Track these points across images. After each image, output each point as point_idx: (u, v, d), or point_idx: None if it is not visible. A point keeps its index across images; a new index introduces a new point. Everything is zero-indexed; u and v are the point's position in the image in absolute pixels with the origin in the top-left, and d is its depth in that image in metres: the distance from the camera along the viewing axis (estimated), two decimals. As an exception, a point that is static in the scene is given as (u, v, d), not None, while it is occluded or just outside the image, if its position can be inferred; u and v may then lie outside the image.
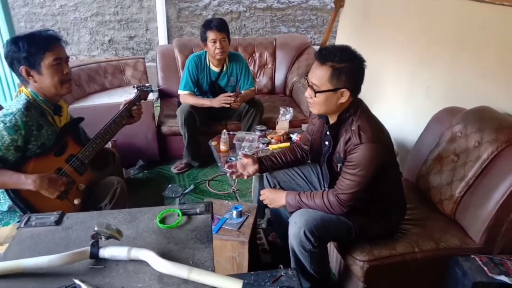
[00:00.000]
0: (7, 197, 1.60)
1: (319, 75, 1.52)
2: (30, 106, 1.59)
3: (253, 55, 3.44)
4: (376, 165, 1.53)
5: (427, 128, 2.14)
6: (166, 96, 3.31)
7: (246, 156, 1.94)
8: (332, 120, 1.65)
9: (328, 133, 1.68)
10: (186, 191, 2.66)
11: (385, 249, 1.67)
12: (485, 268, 1.60)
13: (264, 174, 2.00)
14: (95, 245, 0.84)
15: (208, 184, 2.77)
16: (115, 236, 0.84)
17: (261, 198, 1.84)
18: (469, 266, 1.62)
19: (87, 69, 2.91)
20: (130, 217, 0.99)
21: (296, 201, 1.69)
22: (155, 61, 4.40)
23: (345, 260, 1.74)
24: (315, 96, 1.55)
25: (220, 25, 2.58)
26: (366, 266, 1.63)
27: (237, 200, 2.61)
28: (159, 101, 3.42)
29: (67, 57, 1.69)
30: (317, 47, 3.97)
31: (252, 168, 1.90)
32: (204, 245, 0.87)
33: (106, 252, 0.85)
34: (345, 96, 1.53)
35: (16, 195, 1.54)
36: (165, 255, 0.83)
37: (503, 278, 1.56)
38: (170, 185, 2.68)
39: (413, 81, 2.68)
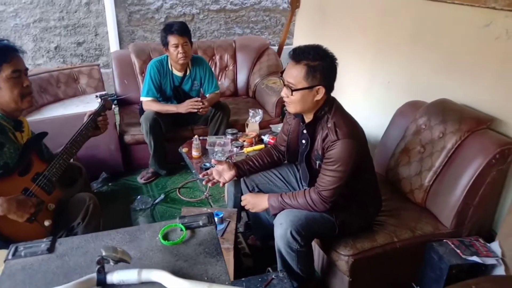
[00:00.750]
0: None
1: (294, 73, 1.55)
2: (-12, 123, 1.46)
3: (213, 57, 3.41)
4: (354, 160, 1.57)
5: (392, 122, 2.24)
6: (124, 103, 3.18)
7: (219, 162, 1.91)
8: (308, 118, 1.67)
9: (304, 131, 1.70)
10: (156, 201, 2.57)
11: (367, 242, 1.72)
12: (458, 251, 1.71)
13: (242, 178, 1.99)
14: (102, 271, 0.78)
15: (179, 192, 2.70)
16: (125, 259, 0.78)
17: (242, 203, 1.83)
18: (444, 250, 1.72)
19: (38, 79, 2.71)
20: (129, 236, 0.93)
21: (279, 202, 1.70)
22: (108, 67, 4.23)
23: (329, 256, 1.77)
24: (291, 94, 1.56)
25: (181, 29, 2.52)
26: (351, 260, 1.67)
27: (211, 206, 2.57)
28: (117, 109, 3.27)
29: (26, 69, 1.57)
30: (274, 48, 4.02)
31: (228, 174, 1.88)
32: (215, 259, 0.84)
33: (114, 277, 0.78)
34: (320, 93, 1.56)
35: (-21, 221, 1.40)
36: (176, 273, 0.79)
37: (475, 258, 1.68)
38: (139, 197, 2.57)
39: (373, 77, 2.80)
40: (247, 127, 2.56)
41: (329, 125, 1.58)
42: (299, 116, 1.72)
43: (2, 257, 1.34)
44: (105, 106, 1.98)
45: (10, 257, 0.86)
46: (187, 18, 4.51)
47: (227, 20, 4.79)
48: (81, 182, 1.86)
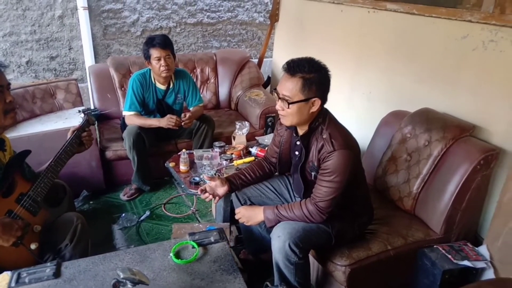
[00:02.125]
0: None
1: (290, 86, 1.55)
2: (-30, 142, 1.37)
3: (194, 70, 3.39)
4: (350, 170, 1.59)
5: (376, 132, 2.29)
6: (103, 118, 3.09)
7: (212, 178, 1.87)
8: (302, 130, 1.68)
9: (298, 143, 1.71)
10: (141, 218, 2.49)
11: (362, 251, 1.73)
12: (449, 256, 1.75)
13: (234, 192, 1.96)
14: (118, 295, 0.74)
15: (164, 208, 2.63)
16: (143, 281, 0.75)
17: (236, 217, 1.80)
18: (436, 256, 1.75)
19: (13, 95, 2.58)
20: (139, 256, 0.89)
21: (274, 215, 1.68)
22: (83, 82, 4.11)
23: (325, 267, 1.77)
24: (288, 107, 1.57)
25: (163, 42, 2.50)
26: (348, 270, 1.68)
27: (198, 222, 2.52)
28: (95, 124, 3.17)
29: (9, 84, 1.50)
30: (254, 61, 4.05)
31: (221, 189, 1.85)
32: (232, 276, 0.82)
33: (133, 301, 0.74)
34: (316, 105, 1.57)
35: (-39, 248, 1.30)
36: (195, 293, 0.76)
37: (466, 262, 1.72)
38: (123, 214, 2.49)
39: (353, 87, 2.86)
40: (234, 139, 2.54)
41: (324, 136, 1.59)
42: (292, 127, 1.73)
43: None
44: (88, 121, 1.91)
45: (13, 284, 0.80)
46: (164, 32, 4.47)
47: (204, 33, 4.79)
48: (67, 201, 1.78)
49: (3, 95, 1.44)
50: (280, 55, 3.79)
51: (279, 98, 1.59)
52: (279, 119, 1.83)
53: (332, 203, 1.60)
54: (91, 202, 2.65)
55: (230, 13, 4.84)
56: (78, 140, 1.79)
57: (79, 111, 1.95)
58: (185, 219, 2.55)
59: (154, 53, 2.48)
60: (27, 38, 3.89)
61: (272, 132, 3.05)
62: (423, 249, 1.79)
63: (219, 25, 4.85)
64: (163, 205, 2.65)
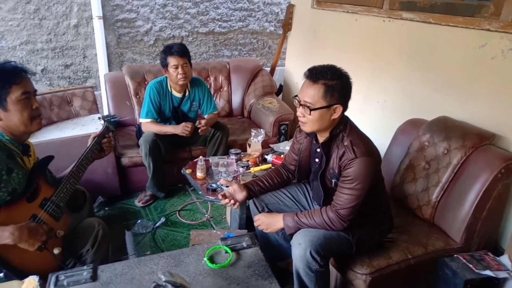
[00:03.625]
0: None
1: (312, 93, 1.56)
2: (-3, 147, 1.39)
3: (208, 79, 3.42)
4: (372, 177, 1.59)
5: (393, 140, 2.29)
6: (119, 125, 3.10)
7: (229, 182, 1.88)
8: (322, 137, 1.68)
9: (318, 150, 1.71)
10: (157, 224, 2.50)
11: (383, 260, 1.72)
12: (470, 265, 1.73)
13: (251, 199, 1.96)
14: (159, 298, 0.74)
15: (179, 215, 2.64)
16: (184, 285, 0.75)
17: (255, 224, 1.79)
18: (457, 265, 1.73)
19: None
20: (174, 261, 0.90)
21: (294, 222, 1.68)
22: (96, 90, 4.16)
23: (345, 276, 1.75)
24: (309, 114, 1.57)
25: (181, 50, 2.53)
26: (368, 279, 1.66)
27: (213, 228, 2.52)
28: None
29: (35, 90, 1.52)
30: (266, 69, 4.08)
31: (241, 195, 1.84)
32: (268, 281, 0.82)
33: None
34: (338, 112, 1.58)
35: (-12, 252, 1.31)
36: (232, 297, 0.76)
37: (488, 272, 1.70)
38: (139, 221, 2.49)
39: (367, 96, 2.87)
40: (249, 147, 2.55)
41: (345, 143, 1.59)
42: (312, 135, 1.73)
43: (13, 289, 1.26)
44: (108, 128, 1.94)
45: (52, 287, 0.81)
46: (176, 41, 4.52)
47: (216, 42, 4.84)
48: (87, 206, 1.79)
49: (30, 101, 1.47)
50: (292, 63, 3.81)
51: (300, 104, 1.60)
52: (298, 126, 1.84)
53: (353, 211, 1.59)
54: (106, 208, 2.67)
55: (241, 23, 4.89)
56: (99, 146, 1.82)
57: (99, 118, 1.97)
58: (199, 226, 2.55)
59: (172, 61, 2.51)
60: (42, 47, 3.96)
61: (286, 140, 3.07)
62: (444, 258, 1.77)
63: (231, 34, 4.91)
64: (177, 212, 2.66)
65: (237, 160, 2.35)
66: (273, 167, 2.26)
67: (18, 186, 1.44)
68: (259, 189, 1.89)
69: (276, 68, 4.05)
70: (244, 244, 0.95)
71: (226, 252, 0.92)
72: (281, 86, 3.99)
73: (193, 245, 1.76)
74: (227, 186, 1.88)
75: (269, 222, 1.74)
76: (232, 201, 1.82)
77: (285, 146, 2.61)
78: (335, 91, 1.54)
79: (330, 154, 1.67)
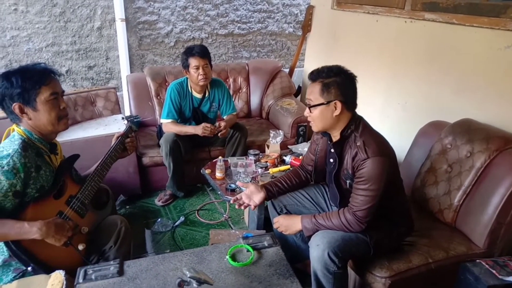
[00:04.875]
0: (1, 251, 1.42)
1: (311, 91, 1.62)
2: (26, 146, 1.44)
3: (227, 80, 3.45)
4: (386, 178, 1.58)
5: (414, 142, 2.26)
6: (140, 125, 3.17)
7: (245, 184, 1.89)
8: (335, 137, 1.69)
9: (332, 150, 1.71)
10: (176, 223, 2.53)
11: (402, 263, 1.70)
12: (494, 271, 1.69)
13: (270, 200, 1.97)
14: (185, 294, 0.76)
15: (198, 214, 2.67)
16: (208, 281, 0.77)
17: (275, 226, 1.80)
18: (479, 271, 1.69)
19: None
20: (197, 258, 0.92)
21: (312, 224, 1.68)
22: (118, 91, 4.25)
23: (363, 278, 1.74)
24: (310, 112, 1.61)
25: (202, 52, 2.57)
26: (388, 282, 1.65)
27: (231, 228, 2.54)
28: (131, 131, 3.27)
29: (63, 91, 1.58)
30: (285, 71, 4.08)
31: (258, 196, 1.86)
32: (289, 280, 0.83)
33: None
34: (338, 108, 1.58)
35: (17, 246, 1.36)
36: (253, 295, 0.77)
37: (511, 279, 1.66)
38: (159, 219, 2.54)
39: (387, 98, 2.84)
40: (267, 148, 2.56)
41: (358, 144, 1.59)
42: (326, 135, 1.74)
43: (40, 282, 1.31)
44: (131, 128, 1.98)
45: (80, 280, 0.84)
46: (196, 42, 4.58)
47: (235, 44, 4.88)
48: (110, 204, 1.84)
49: (58, 102, 1.52)
50: (311, 65, 3.80)
51: (306, 105, 1.64)
52: None
53: (369, 212, 1.59)
54: (127, 207, 2.72)
55: (260, 24, 4.92)
56: (122, 145, 1.87)
57: (123, 118, 2.02)
58: (218, 225, 2.58)
59: (193, 62, 2.55)
60: (67, 49, 4.08)
61: (304, 141, 3.06)
62: (466, 263, 1.74)
63: (250, 36, 4.94)
64: (196, 211, 2.69)
65: (255, 161, 2.36)
66: (291, 168, 2.27)
67: (46, 183, 1.49)
68: (277, 190, 1.90)
69: (295, 69, 4.05)
70: (265, 244, 0.96)
71: (248, 250, 0.94)
72: (299, 87, 3.99)
73: (212, 244, 1.79)
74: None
75: (287, 224, 1.75)
76: (245, 204, 1.84)
77: (303, 148, 2.61)
78: (332, 87, 1.57)
79: (343, 155, 1.67)
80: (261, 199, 1.86)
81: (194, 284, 0.76)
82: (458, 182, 1.91)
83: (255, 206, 1.87)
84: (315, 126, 1.66)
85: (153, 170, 2.82)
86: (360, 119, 1.67)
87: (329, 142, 1.75)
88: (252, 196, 1.86)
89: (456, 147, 1.98)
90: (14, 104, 1.43)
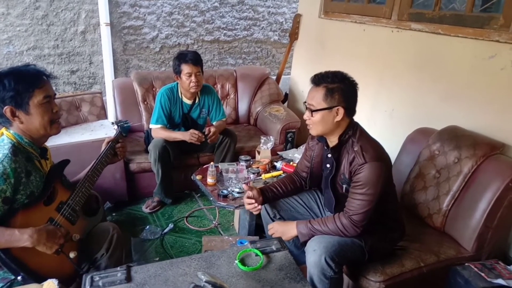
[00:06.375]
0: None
1: (315, 95, 1.62)
2: (16, 150, 1.39)
3: (215, 86, 3.44)
4: (382, 183, 1.60)
5: (403, 148, 2.30)
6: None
7: (250, 188, 1.85)
8: (332, 142, 1.70)
9: (329, 155, 1.73)
10: (165, 231, 2.49)
11: (396, 267, 1.72)
12: (482, 274, 1.74)
13: (264, 205, 1.96)
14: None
15: (187, 221, 2.63)
16: (223, 286, 0.75)
17: (269, 232, 1.79)
18: (469, 274, 1.74)
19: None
20: (205, 263, 0.90)
21: (308, 229, 1.68)
22: (102, 95, 4.17)
23: (357, 283, 1.75)
24: (312, 115, 1.61)
25: (195, 59, 2.55)
26: (382, 286, 1.66)
27: (221, 235, 2.51)
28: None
29: (55, 94, 1.54)
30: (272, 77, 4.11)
31: (259, 199, 1.84)
32: (300, 284, 0.82)
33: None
34: (340, 114, 1.61)
35: (6, 255, 1.31)
36: (266, 300, 0.76)
37: (500, 281, 1.71)
38: (147, 227, 2.49)
39: (375, 105, 2.89)
40: (258, 154, 2.56)
41: (355, 149, 1.61)
42: (322, 140, 1.75)
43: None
44: (121, 133, 1.95)
45: (87, 287, 0.81)
46: (182, 48, 4.56)
47: (221, 50, 4.88)
48: (101, 211, 1.79)
49: (51, 105, 1.47)
50: (298, 72, 3.84)
51: (306, 109, 1.64)
52: (310, 134, 1.86)
53: (366, 216, 1.60)
54: (113, 214, 2.66)
55: (246, 32, 4.95)
56: (113, 151, 1.82)
57: (113, 123, 1.98)
58: (208, 232, 2.55)
59: (186, 68, 2.53)
60: (49, 52, 3.98)
61: (292, 147, 3.08)
62: (456, 266, 1.78)
63: (235, 43, 4.96)
64: (185, 218, 2.65)
65: (247, 167, 2.35)
66: (285, 174, 2.27)
67: (36, 189, 1.44)
68: (272, 195, 1.90)
69: (282, 76, 4.09)
70: (274, 248, 0.96)
71: (257, 255, 0.93)
72: (286, 94, 4.01)
73: (205, 251, 1.76)
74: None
75: (283, 230, 1.74)
76: (259, 206, 1.82)
77: (293, 154, 2.62)
78: (336, 93, 1.59)
79: (340, 160, 1.69)
80: (261, 202, 1.84)
81: (209, 288, 0.74)
82: (446, 187, 1.96)
83: (259, 210, 1.85)
84: (314, 130, 1.67)
85: (141, 176, 2.77)
86: (357, 125, 1.70)
87: (325, 148, 1.76)
88: (257, 200, 1.84)
89: (444, 153, 2.03)
90: (6, 107, 1.38)
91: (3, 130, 1.44)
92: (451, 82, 2.30)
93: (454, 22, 2.24)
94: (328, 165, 1.76)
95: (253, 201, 1.81)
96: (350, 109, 1.65)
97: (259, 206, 1.82)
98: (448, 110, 2.33)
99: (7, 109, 1.38)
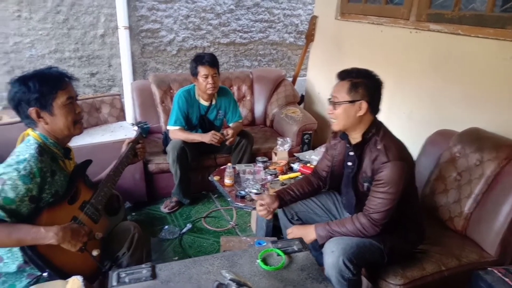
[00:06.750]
0: (16, 256, 1.40)
1: (339, 89, 1.63)
2: (42, 150, 1.43)
3: (231, 88, 3.46)
4: (404, 182, 1.59)
5: (423, 151, 2.27)
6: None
7: (261, 198, 1.85)
8: (354, 139, 1.70)
9: (351, 153, 1.72)
10: (183, 230, 2.52)
11: (416, 271, 1.70)
12: (506, 279, 1.69)
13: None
14: (223, 297, 0.75)
15: (204, 221, 2.65)
16: (247, 284, 0.76)
17: (289, 236, 1.79)
18: (492, 279, 1.69)
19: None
20: (228, 262, 0.91)
21: (326, 231, 1.68)
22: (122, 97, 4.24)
23: (377, 286, 1.74)
24: (334, 108, 1.62)
25: (212, 61, 2.58)
26: (402, 289, 1.64)
27: (238, 236, 2.52)
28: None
29: (77, 95, 1.57)
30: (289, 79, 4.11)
31: (273, 205, 1.84)
32: (323, 284, 0.83)
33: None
34: (363, 109, 1.60)
35: (33, 252, 1.34)
36: (290, 299, 0.77)
37: (524, 286, 1.66)
38: (166, 227, 2.52)
39: (392, 107, 2.86)
40: (275, 155, 2.56)
41: (378, 147, 1.60)
42: (345, 137, 1.75)
43: (58, 288, 1.29)
44: (142, 134, 1.98)
45: (114, 283, 0.83)
46: (198, 51, 4.61)
47: (236, 53, 4.92)
48: (123, 210, 1.82)
49: (74, 106, 1.51)
50: (314, 74, 3.84)
51: (330, 103, 1.65)
52: (332, 133, 1.87)
53: (386, 215, 1.59)
54: (133, 214, 2.70)
55: (261, 34, 4.97)
56: (133, 151, 1.86)
57: (133, 124, 2.01)
58: (225, 233, 2.56)
59: (203, 70, 2.56)
60: (70, 55, 4.07)
61: (309, 149, 3.07)
62: (478, 271, 1.74)
63: (251, 45, 4.98)
64: (203, 219, 2.68)
65: (264, 168, 2.36)
66: (302, 176, 2.27)
67: (60, 189, 1.47)
68: (289, 198, 1.90)
69: (298, 78, 4.09)
70: (295, 248, 0.96)
71: (278, 255, 0.93)
72: (302, 96, 4.01)
73: (224, 251, 1.78)
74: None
75: (302, 234, 1.73)
76: (270, 216, 1.83)
77: (310, 155, 2.62)
78: (360, 87, 1.59)
79: (363, 157, 1.68)
80: (276, 208, 1.85)
81: (234, 287, 0.75)
82: (468, 190, 1.93)
83: (271, 216, 1.86)
84: (337, 124, 1.67)
85: (159, 177, 2.80)
86: (381, 124, 1.70)
87: (348, 145, 1.76)
88: (269, 206, 1.84)
89: (465, 156, 2.00)
90: (31, 109, 1.42)
91: (29, 131, 1.49)
92: (471, 83, 2.26)
93: (474, 22, 2.21)
94: (350, 163, 1.75)
95: (265, 207, 1.81)
96: (374, 106, 1.65)
97: (270, 216, 1.83)
98: (468, 111, 2.29)
99: (32, 111, 1.42)
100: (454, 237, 1.93)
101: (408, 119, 2.74)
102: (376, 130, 1.65)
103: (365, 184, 1.68)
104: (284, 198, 1.88)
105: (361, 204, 1.69)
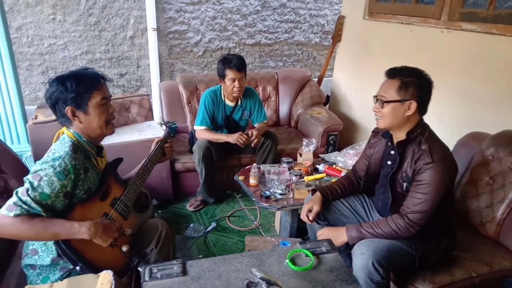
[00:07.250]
0: (50, 249, 1.45)
1: (389, 87, 1.60)
2: (76, 148, 1.48)
3: (256, 88, 3.47)
4: (446, 185, 1.55)
5: (453, 153, 2.19)
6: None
7: (304, 213, 1.87)
8: (398, 138, 1.67)
9: (392, 152, 1.70)
10: (208, 229, 2.55)
11: (445, 276, 1.66)
12: (541, 287, 1.64)
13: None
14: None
15: (229, 221, 2.68)
16: (277, 283, 0.77)
17: (319, 238, 1.77)
18: (525, 286, 1.64)
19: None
20: (256, 260, 0.92)
21: (359, 233, 1.66)
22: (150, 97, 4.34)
23: (404, 291, 1.71)
24: (382, 107, 1.59)
25: (240, 65, 2.59)
26: (430, 295, 1.61)
27: (262, 235, 2.53)
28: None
29: (111, 96, 1.62)
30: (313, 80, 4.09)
31: (319, 203, 1.85)
32: (353, 286, 0.82)
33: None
34: (412, 109, 1.57)
35: (67, 246, 1.39)
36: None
37: (561, 296, 1.60)
38: (191, 225, 2.56)
39: (421, 109, 2.79)
40: (300, 156, 2.56)
41: (423, 148, 1.57)
42: (387, 135, 1.72)
43: (89, 281, 1.34)
44: (170, 133, 2.02)
45: (147, 278, 0.86)
46: (224, 52, 4.66)
47: (262, 53, 4.94)
48: (151, 208, 1.86)
49: (107, 106, 1.56)
50: (340, 74, 3.80)
51: (377, 100, 1.63)
52: (373, 132, 1.85)
53: (424, 217, 1.56)
54: (159, 211, 2.76)
55: (287, 34, 4.97)
56: (162, 150, 1.90)
57: (161, 124, 2.05)
58: (249, 232, 2.57)
59: (230, 74, 2.58)
60: (101, 57, 4.20)
61: (334, 150, 3.05)
62: (511, 279, 1.69)
63: (276, 46, 4.99)
64: (227, 218, 2.70)
65: (289, 169, 2.36)
66: (328, 177, 2.26)
67: (93, 185, 1.53)
68: (332, 196, 1.90)
69: (324, 79, 4.06)
70: (324, 249, 0.96)
71: (306, 255, 0.93)
72: (328, 96, 3.98)
73: (248, 250, 1.79)
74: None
75: (333, 236, 1.71)
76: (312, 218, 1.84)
77: (336, 157, 2.59)
78: (410, 86, 1.56)
79: (404, 157, 1.65)
80: (322, 203, 1.85)
81: (264, 285, 0.75)
82: (501, 194, 1.86)
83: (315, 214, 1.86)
84: (383, 123, 1.64)
85: (185, 175, 2.85)
86: (427, 125, 1.67)
87: (389, 144, 1.73)
88: (313, 205, 1.85)
89: (498, 159, 1.93)
90: (67, 107, 1.47)
91: (64, 129, 1.54)
92: (505, 84, 2.19)
93: (510, 21, 2.13)
94: (389, 162, 1.72)
95: (311, 214, 1.83)
96: (423, 106, 1.62)
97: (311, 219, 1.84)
98: (501, 113, 2.21)
99: (68, 110, 1.47)
100: (486, 243, 1.86)
101: (438, 121, 2.67)
102: (422, 130, 1.62)
103: (404, 184, 1.64)
104: (326, 196, 1.88)
105: (397, 205, 1.66)
